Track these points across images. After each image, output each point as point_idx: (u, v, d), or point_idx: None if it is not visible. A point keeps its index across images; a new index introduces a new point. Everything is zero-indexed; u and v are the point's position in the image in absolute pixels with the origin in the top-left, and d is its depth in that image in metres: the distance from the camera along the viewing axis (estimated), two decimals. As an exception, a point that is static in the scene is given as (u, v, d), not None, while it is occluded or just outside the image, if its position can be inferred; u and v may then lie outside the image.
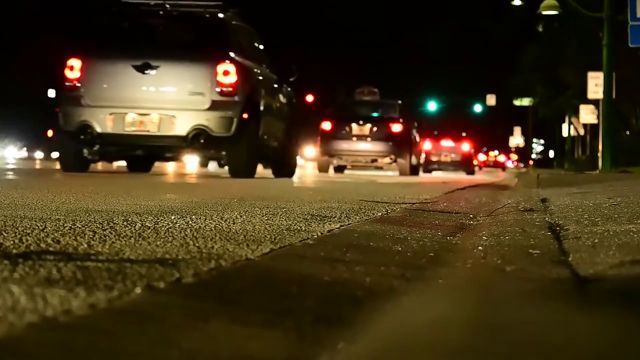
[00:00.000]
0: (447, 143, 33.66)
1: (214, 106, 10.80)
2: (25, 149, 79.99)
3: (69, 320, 1.55)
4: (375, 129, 21.64)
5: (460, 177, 21.86)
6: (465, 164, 32.91)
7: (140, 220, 3.78)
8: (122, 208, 4.65)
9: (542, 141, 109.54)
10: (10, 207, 4.47)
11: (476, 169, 36.80)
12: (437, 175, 25.80)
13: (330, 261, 2.56)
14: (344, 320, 1.74)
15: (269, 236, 3.24)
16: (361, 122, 21.85)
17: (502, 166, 74.47)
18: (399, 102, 23.19)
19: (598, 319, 1.77)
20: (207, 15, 11.42)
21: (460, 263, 2.75)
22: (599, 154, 23.36)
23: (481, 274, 2.51)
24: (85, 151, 11.18)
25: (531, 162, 74.52)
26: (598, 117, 30.55)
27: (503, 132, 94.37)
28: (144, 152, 11.45)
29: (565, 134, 52.49)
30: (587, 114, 37.49)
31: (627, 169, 20.53)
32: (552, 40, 44.07)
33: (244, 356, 1.42)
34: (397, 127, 21.39)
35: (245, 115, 10.87)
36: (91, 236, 3.04)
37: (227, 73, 10.82)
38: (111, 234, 3.16)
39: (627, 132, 36.82)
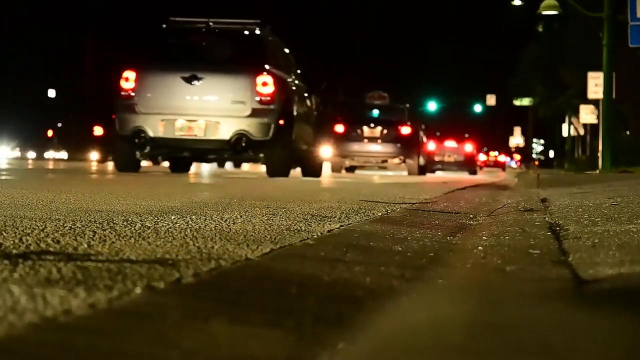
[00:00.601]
0: (450, 144, 34.60)
1: (254, 113, 12.01)
2: (18, 148, 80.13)
3: (69, 320, 1.55)
4: (385, 131, 23.07)
5: (463, 177, 22.66)
6: (468, 164, 33.75)
7: (140, 220, 3.78)
8: (122, 208, 4.65)
9: (542, 141, 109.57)
10: (10, 207, 4.47)
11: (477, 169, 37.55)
12: (441, 175, 26.40)
13: (330, 261, 2.56)
14: (344, 320, 1.74)
15: (269, 236, 3.24)
16: (372, 124, 23.34)
17: (502, 166, 74.53)
18: (407, 105, 24.75)
19: (598, 319, 1.77)
20: (246, 32, 12.69)
21: (460, 263, 2.75)
22: (599, 154, 23.37)
23: (481, 274, 2.51)
24: (138, 153, 12.36)
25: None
26: (598, 117, 30.55)
27: (503, 132, 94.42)
28: (191, 154, 12.68)
29: (565, 134, 52.50)
30: (587, 114, 37.50)
31: (627, 169, 20.53)
32: (552, 40, 44.06)
33: (244, 356, 1.42)
34: (405, 130, 22.87)
35: (281, 122, 12.09)
36: (91, 236, 3.04)
37: (265, 84, 12.04)
38: (111, 234, 3.16)
39: (627, 132, 36.83)
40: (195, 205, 5.15)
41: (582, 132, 48.58)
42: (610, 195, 6.20)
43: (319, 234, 3.41)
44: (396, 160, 23.19)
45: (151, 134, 12.05)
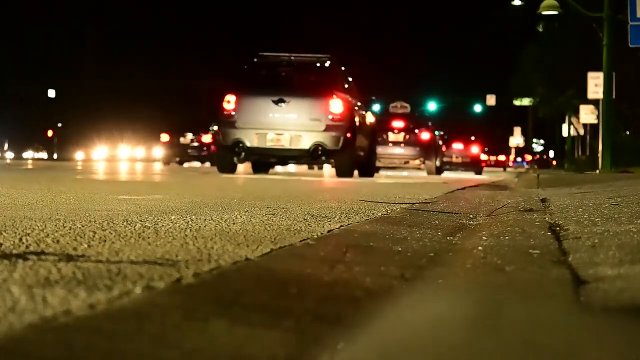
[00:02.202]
0: (457, 146, 36.87)
1: (328, 128, 15.45)
2: (6, 149, 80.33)
3: (68, 321, 1.55)
4: (407, 136, 26.53)
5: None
6: (474, 165, 36.08)
7: (140, 220, 3.78)
8: (122, 208, 4.65)
9: (542, 141, 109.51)
10: (10, 208, 4.47)
11: None
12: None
13: (330, 261, 2.56)
14: (344, 320, 1.74)
15: (269, 236, 3.24)
16: (396, 130, 26.63)
17: (503, 166, 74.69)
18: (426, 114, 29.59)
19: (598, 319, 1.77)
20: (319, 64, 16.32)
21: (460, 263, 2.75)
22: (599, 154, 23.36)
23: (481, 274, 2.51)
24: (235, 159, 15.75)
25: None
26: (598, 117, 30.54)
27: (503, 132, 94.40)
28: (277, 159, 16.23)
29: (565, 134, 52.48)
30: (587, 114, 37.50)
31: (627, 169, 20.53)
32: (552, 40, 44.04)
33: (243, 356, 1.42)
34: (425, 135, 26.34)
35: (348, 135, 15.53)
36: (91, 236, 3.04)
37: (336, 105, 15.49)
38: (111, 234, 3.16)
39: (627, 132, 36.82)
40: (195, 205, 5.16)
41: (582, 132, 48.56)
42: (610, 195, 6.20)
43: (319, 234, 3.40)
44: (417, 162, 26.34)
45: (248, 144, 15.47)
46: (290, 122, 15.42)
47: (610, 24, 21.67)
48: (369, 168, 17.60)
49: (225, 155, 15.77)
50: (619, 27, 21.35)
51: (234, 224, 3.78)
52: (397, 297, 2.07)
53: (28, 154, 71.96)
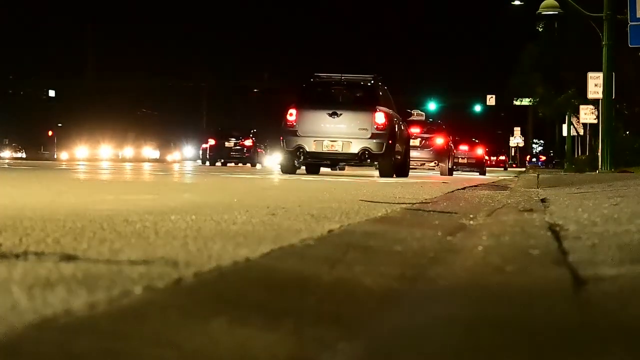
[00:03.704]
0: (463, 148, 39.35)
1: (373, 136, 18.53)
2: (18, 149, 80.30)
3: (69, 320, 1.55)
4: (423, 141, 29.26)
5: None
6: (479, 165, 38.41)
7: (141, 220, 3.78)
8: (123, 207, 4.65)
9: (542, 141, 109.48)
10: (13, 208, 4.47)
11: None
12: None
13: (330, 261, 2.56)
14: (344, 320, 1.74)
15: (269, 236, 3.24)
16: (413, 136, 28.35)
17: (504, 166, 74.94)
18: (439, 121, 31.65)
19: (598, 319, 1.77)
20: (363, 83, 19.71)
21: (460, 263, 2.75)
22: (599, 154, 23.35)
23: (481, 274, 2.51)
24: (296, 162, 18.91)
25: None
26: (598, 117, 30.54)
27: (503, 132, 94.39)
28: (331, 162, 20.34)
29: (565, 134, 52.46)
30: (587, 114, 37.48)
31: (627, 169, 20.52)
32: (552, 40, 44.00)
33: (244, 356, 1.42)
34: (439, 140, 29.24)
35: (389, 142, 18.64)
36: (91, 236, 3.04)
37: (380, 118, 18.64)
38: (111, 234, 3.16)
39: (627, 132, 36.80)
40: (195, 205, 5.16)
41: (582, 132, 48.52)
42: (610, 195, 6.20)
43: (319, 234, 3.40)
44: (432, 164, 29.03)
45: (307, 149, 18.64)
46: (342, 131, 18.62)
47: (610, 24, 21.65)
48: (404, 169, 20.57)
49: (288, 159, 19.00)
50: (619, 27, 21.34)
51: (234, 224, 3.78)
52: (397, 297, 2.07)
53: (5, 154, 71.57)
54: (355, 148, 18.54)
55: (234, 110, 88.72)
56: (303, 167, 20.64)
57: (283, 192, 8.32)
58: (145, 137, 72.67)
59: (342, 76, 19.96)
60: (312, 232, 3.45)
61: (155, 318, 1.62)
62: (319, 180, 13.54)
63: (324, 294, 2.04)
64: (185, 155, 73.65)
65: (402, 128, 20.88)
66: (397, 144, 19.35)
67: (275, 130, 22.11)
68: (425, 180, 16.63)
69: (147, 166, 28.89)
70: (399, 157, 19.79)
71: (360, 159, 18.82)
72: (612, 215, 4.22)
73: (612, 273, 2.35)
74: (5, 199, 5.58)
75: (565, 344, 1.55)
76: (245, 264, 2.39)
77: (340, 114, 18.66)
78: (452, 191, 8.90)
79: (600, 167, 22.41)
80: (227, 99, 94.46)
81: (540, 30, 47.12)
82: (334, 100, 19.24)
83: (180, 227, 3.51)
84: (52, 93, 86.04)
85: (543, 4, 24.85)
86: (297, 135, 18.66)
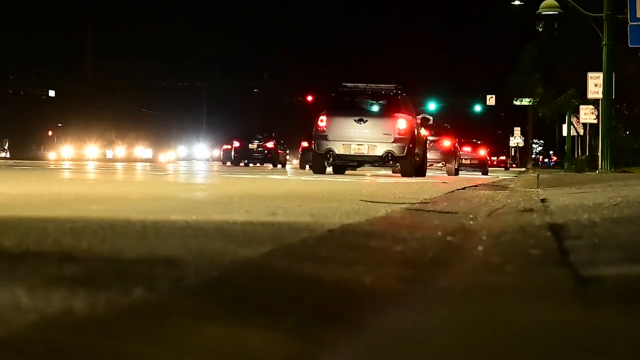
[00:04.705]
0: (466, 149, 40.73)
1: (395, 141, 20.56)
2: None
3: (69, 320, 1.55)
4: (431, 143, 30.18)
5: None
6: (481, 166, 39.85)
7: (141, 220, 3.78)
8: (123, 207, 4.65)
9: (542, 141, 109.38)
10: (12, 207, 4.47)
11: None
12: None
13: (330, 261, 2.56)
14: (344, 320, 1.74)
15: (269, 236, 3.24)
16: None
17: (505, 166, 75.09)
18: (446, 125, 33.27)
19: (598, 319, 1.77)
20: (385, 92, 21.92)
21: (460, 263, 2.75)
22: (599, 154, 23.36)
23: (481, 274, 2.51)
24: (326, 163, 21.00)
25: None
26: (598, 117, 30.54)
27: (503, 132, 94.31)
28: (357, 163, 21.86)
29: (565, 134, 52.44)
30: (587, 114, 37.48)
31: (627, 169, 20.53)
32: (552, 40, 43.99)
33: (244, 356, 1.42)
34: (446, 143, 31.25)
35: (410, 145, 20.65)
36: (91, 236, 3.04)
37: (402, 124, 20.68)
38: (111, 234, 3.16)
39: (627, 132, 36.80)
40: (196, 205, 5.16)
41: (582, 132, 48.51)
42: (610, 195, 6.20)
43: (319, 234, 3.40)
44: (439, 164, 30.71)
45: (336, 152, 20.64)
46: (367, 136, 20.67)
47: (610, 24, 21.65)
48: (422, 170, 22.71)
49: (319, 160, 21.32)
50: (619, 27, 21.34)
51: (234, 223, 3.78)
52: (397, 297, 2.07)
53: None
54: (379, 151, 20.58)
55: (234, 111, 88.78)
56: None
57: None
58: (145, 138, 72.62)
59: (367, 86, 22.27)
60: (313, 232, 3.45)
61: (156, 318, 1.62)
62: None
63: (324, 294, 2.04)
64: (179, 154, 73.82)
65: (421, 132, 22.88)
66: (416, 147, 21.41)
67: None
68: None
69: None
70: (418, 159, 21.81)
71: (384, 161, 20.89)
72: (612, 215, 4.22)
73: (612, 273, 2.35)
74: None
75: (566, 344, 1.55)
76: (245, 264, 2.39)
77: (366, 121, 20.77)
78: (452, 191, 8.89)
79: (600, 167, 22.41)
80: (227, 99, 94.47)
81: (540, 30, 47.10)
82: (360, 108, 21.48)
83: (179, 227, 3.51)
84: (52, 93, 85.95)
85: (543, 4, 24.85)
86: (327, 140, 20.78)
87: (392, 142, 20.59)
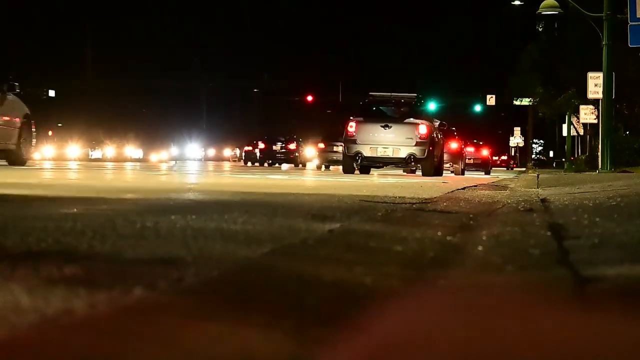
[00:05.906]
0: (469, 149, 41.68)
1: (417, 144, 22.91)
2: None
3: (69, 320, 1.55)
4: None
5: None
6: (484, 166, 41.23)
7: (141, 220, 3.78)
8: (123, 207, 4.66)
9: (542, 141, 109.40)
10: (10, 207, 4.47)
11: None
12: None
13: (330, 261, 2.56)
14: (344, 320, 1.74)
15: (269, 236, 3.24)
16: None
17: (506, 165, 75.27)
18: (454, 128, 34.76)
19: (598, 319, 1.77)
20: (404, 100, 24.59)
21: (460, 263, 2.75)
22: (599, 154, 23.36)
23: (481, 274, 2.51)
24: (355, 164, 23.22)
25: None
26: (598, 117, 30.54)
27: (503, 132, 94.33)
28: (383, 164, 24.08)
29: (565, 134, 52.46)
30: (587, 114, 37.50)
31: (627, 169, 20.53)
32: (552, 40, 44.01)
33: (244, 356, 1.42)
34: (454, 145, 33.37)
35: (430, 148, 22.96)
36: (92, 236, 3.04)
37: (423, 129, 23.05)
38: (111, 234, 3.16)
39: (627, 132, 36.80)
40: (196, 204, 5.16)
41: (582, 132, 48.53)
42: (610, 195, 6.20)
43: (319, 234, 3.40)
44: (447, 165, 31.91)
45: (364, 154, 23.02)
46: (392, 140, 23.06)
47: (610, 24, 21.65)
48: (439, 170, 24.82)
49: (349, 162, 23.59)
50: (619, 27, 21.34)
51: (234, 223, 3.78)
52: (397, 297, 2.08)
53: None
54: (403, 153, 23.08)
55: (233, 111, 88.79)
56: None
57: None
58: (137, 137, 72.35)
59: (391, 95, 25.41)
60: (312, 232, 3.45)
61: (156, 318, 1.62)
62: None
63: (324, 293, 2.04)
64: (172, 154, 73.83)
65: (439, 136, 25.24)
66: (435, 150, 23.68)
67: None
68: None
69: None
70: (436, 160, 24.06)
71: (407, 162, 23.73)
72: (612, 215, 4.22)
73: (612, 273, 2.36)
74: None
75: (567, 345, 1.55)
76: (245, 264, 2.39)
77: (391, 126, 23.32)
78: (452, 191, 8.89)
79: (600, 167, 22.41)
80: (227, 100, 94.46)
81: (540, 30, 47.10)
82: (385, 115, 24.18)
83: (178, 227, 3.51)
84: (52, 93, 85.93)
85: (543, 4, 24.86)
86: (356, 143, 23.28)
87: (415, 145, 23.03)
